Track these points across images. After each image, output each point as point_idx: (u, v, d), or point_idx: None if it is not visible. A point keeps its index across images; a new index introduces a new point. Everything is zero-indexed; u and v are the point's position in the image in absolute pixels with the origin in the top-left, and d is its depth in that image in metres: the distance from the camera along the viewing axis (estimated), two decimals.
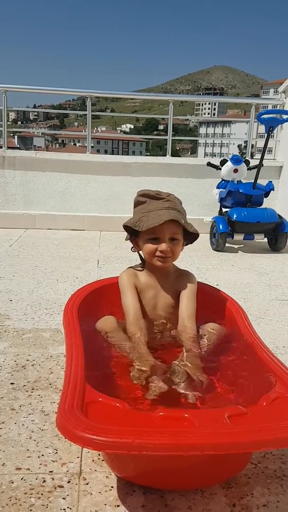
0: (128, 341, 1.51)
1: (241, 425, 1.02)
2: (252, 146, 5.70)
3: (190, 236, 1.62)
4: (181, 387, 1.29)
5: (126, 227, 1.61)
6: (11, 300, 2.56)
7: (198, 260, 3.65)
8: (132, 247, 1.68)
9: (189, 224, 1.56)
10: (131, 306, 1.59)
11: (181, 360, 1.41)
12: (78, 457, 1.27)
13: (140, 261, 1.72)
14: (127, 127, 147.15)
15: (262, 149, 4.31)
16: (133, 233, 1.62)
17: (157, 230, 1.51)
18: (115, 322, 1.61)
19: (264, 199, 4.27)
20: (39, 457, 1.26)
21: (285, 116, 4.36)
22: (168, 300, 1.64)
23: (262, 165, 4.28)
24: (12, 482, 1.16)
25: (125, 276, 1.65)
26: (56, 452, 1.29)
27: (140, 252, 1.66)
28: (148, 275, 1.65)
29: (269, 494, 1.17)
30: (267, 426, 1.02)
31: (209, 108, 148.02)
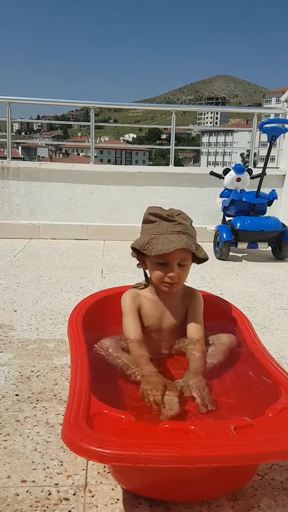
0: (133, 362, 1.46)
1: (248, 436, 1.01)
2: (255, 154, 5.71)
3: (199, 259, 1.58)
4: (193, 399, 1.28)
5: (134, 249, 1.57)
6: (15, 311, 2.57)
7: (202, 269, 3.65)
8: (138, 264, 1.64)
9: (199, 248, 1.53)
10: (133, 332, 1.55)
11: (186, 379, 1.39)
12: (83, 469, 1.26)
13: (144, 277, 1.69)
14: (130, 136, 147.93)
15: (265, 158, 4.33)
16: (141, 252, 1.57)
17: (166, 256, 1.47)
18: (113, 342, 1.55)
19: (268, 207, 4.27)
20: (44, 469, 1.26)
21: (287, 125, 4.38)
22: (174, 321, 1.62)
23: (265, 174, 4.30)
24: (18, 495, 1.16)
25: (128, 298, 1.61)
26: (62, 464, 1.28)
27: (146, 270, 1.63)
28: (153, 295, 1.62)
29: (276, 506, 1.16)
30: (273, 438, 1.01)
31: (211, 117, 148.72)
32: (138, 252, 1.59)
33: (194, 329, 1.59)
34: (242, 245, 4.14)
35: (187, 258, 1.52)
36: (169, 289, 1.54)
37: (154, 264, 1.53)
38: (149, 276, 1.63)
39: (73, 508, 1.12)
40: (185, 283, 1.71)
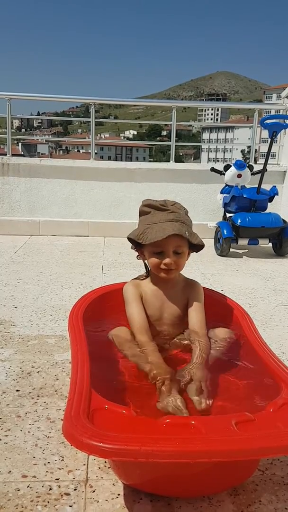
0: (141, 352, 1.48)
1: (249, 431, 1.01)
2: (256, 151, 5.70)
3: (196, 247, 1.59)
4: (192, 394, 1.29)
5: (130, 239, 1.60)
6: (16, 307, 2.57)
7: (203, 266, 3.65)
8: (138, 255, 1.66)
9: (194, 235, 1.54)
10: (137, 317, 1.56)
11: (188, 370, 1.40)
12: (84, 465, 1.26)
13: (144, 269, 1.71)
14: (130, 133, 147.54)
15: (265, 154, 4.32)
16: (138, 244, 1.60)
17: (160, 244, 1.49)
18: (128, 333, 1.57)
19: (268, 204, 4.27)
20: (45, 464, 1.26)
21: None
22: (175, 311, 1.62)
23: (266, 170, 4.29)
24: (19, 490, 1.16)
25: (130, 287, 1.63)
26: (62, 460, 1.28)
27: (146, 260, 1.64)
28: (153, 285, 1.63)
29: (277, 501, 1.16)
30: (274, 433, 1.01)
31: (212, 114, 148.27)
32: (135, 244, 1.61)
33: (195, 320, 1.59)
34: (243, 242, 4.14)
35: (183, 245, 1.53)
36: (167, 274, 1.55)
37: (151, 253, 1.55)
38: (148, 267, 1.65)
39: (74, 503, 1.12)
40: (185, 276, 1.72)
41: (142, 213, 1.60)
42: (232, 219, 4.16)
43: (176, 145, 5.35)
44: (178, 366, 1.46)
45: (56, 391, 1.66)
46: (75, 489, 1.17)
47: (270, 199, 4.25)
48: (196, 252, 1.63)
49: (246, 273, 3.57)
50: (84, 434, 0.96)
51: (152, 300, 1.61)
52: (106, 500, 1.14)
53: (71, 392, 1.14)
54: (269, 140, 4.23)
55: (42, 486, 1.17)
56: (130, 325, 1.58)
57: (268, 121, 4.22)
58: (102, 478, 1.21)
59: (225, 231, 4.07)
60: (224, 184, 4.47)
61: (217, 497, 1.16)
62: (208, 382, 1.34)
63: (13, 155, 5.16)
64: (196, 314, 1.60)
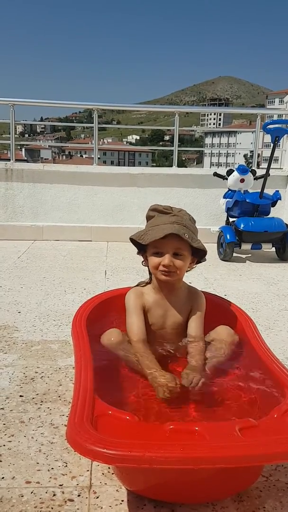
0: (135, 355, 1.50)
1: (252, 437, 1.01)
2: (258, 155, 5.71)
3: (199, 253, 1.60)
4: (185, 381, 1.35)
5: (132, 240, 1.62)
6: (19, 312, 2.57)
7: (206, 270, 3.65)
8: (143, 261, 1.67)
9: (195, 240, 1.54)
10: (136, 328, 1.57)
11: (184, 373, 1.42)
12: (88, 470, 1.26)
13: (148, 275, 1.71)
14: (133, 138, 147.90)
15: (268, 158, 4.33)
16: (142, 247, 1.62)
17: (160, 244, 1.52)
18: (120, 334, 1.59)
19: (271, 208, 4.27)
20: (48, 470, 1.26)
21: None
22: (177, 319, 1.63)
23: (269, 175, 4.29)
24: (22, 496, 1.16)
25: (132, 296, 1.64)
26: (66, 465, 1.28)
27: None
28: (156, 293, 1.64)
29: (282, 507, 1.15)
30: (278, 439, 1.01)
31: (214, 119, 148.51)
32: (138, 247, 1.63)
33: (194, 327, 1.61)
34: (246, 246, 4.13)
35: (183, 248, 1.54)
36: (166, 277, 1.55)
37: (151, 254, 1.57)
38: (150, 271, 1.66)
39: (78, 509, 1.12)
40: (189, 284, 1.72)
41: (148, 218, 1.63)
42: (235, 223, 4.16)
43: (178, 150, 5.37)
44: (177, 373, 1.47)
45: (59, 396, 1.66)
46: (78, 495, 1.17)
47: (273, 204, 4.25)
48: (200, 260, 1.64)
49: (249, 278, 3.56)
50: (88, 440, 0.96)
51: (155, 309, 1.62)
52: (110, 506, 1.14)
53: (75, 398, 1.14)
54: (272, 145, 4.24)
55: (46, 492, 1.17)
56: (128, 334, 1.59)
57: (271, 126, 4.23)
58: (105, 484, 1.21)
59: (228, 236, 4.07)
60: (227, 189, 4.48)
61: (221, 504, 1.15)
62: (203, 380, 1.36)
63: (16, 160, 5.18)
64: (196, 323, 1.62)
